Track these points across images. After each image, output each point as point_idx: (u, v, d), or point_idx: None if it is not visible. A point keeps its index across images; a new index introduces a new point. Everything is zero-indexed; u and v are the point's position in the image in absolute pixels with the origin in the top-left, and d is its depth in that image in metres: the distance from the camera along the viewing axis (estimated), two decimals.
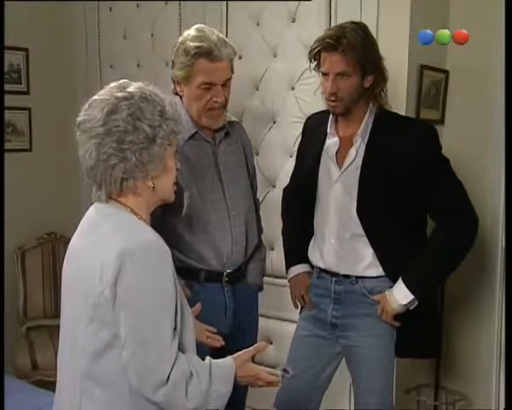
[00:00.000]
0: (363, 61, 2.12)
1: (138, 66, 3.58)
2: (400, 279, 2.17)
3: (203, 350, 2.21)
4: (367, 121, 2.22)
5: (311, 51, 2.19)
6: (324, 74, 2.18)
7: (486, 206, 2.76)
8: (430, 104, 2.87)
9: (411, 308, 2.18)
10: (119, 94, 1.51)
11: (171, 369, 1.46)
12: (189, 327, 1.57)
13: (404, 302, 2.16)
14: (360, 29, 2.16)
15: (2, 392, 2.21)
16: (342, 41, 2.10)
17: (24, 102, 3.72)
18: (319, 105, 2.85)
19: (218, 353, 2.28)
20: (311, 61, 2.22)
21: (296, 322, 2.78)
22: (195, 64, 2.16)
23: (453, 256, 2.19)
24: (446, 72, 2.93)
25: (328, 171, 2.28)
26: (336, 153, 2.27)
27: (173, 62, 2.25)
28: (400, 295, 2.16)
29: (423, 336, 2.27)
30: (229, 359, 1.62)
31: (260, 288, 2.47)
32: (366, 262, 2.23)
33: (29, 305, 3.66)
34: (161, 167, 1.54)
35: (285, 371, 2.37)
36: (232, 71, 2.26)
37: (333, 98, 2.17)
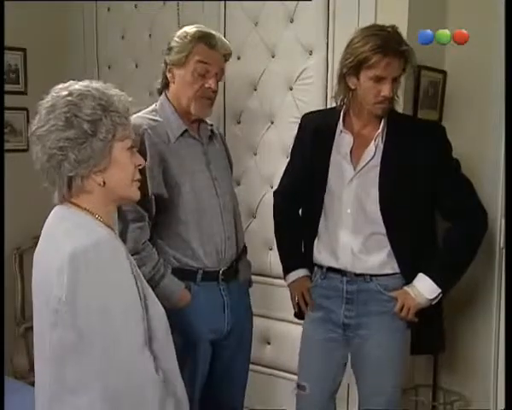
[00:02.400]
0: (408, 70, 2.21)
1: (136, 66, 3.58)
2: (423, 275, 2.21)
3: (205, 346, 2.24)
4: (384, 121, 2.23)
5: (366, 57, 2.10)
6: (379, 78, 2.13)
7: (485, 206, 2.76)
8: (428, 105, 2.87)
9: (434, 303, 2.23)
10: (59, 93, 1.52)
11: (143, 356, 1.47)
12: (153, 318, 1.55)
13: (432, 296, 2.21)
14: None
15: (2, 392, 2.22)
16: (403, 46, 2.11)
17: (22, 102, 3.72)
18: (317, 105, 2.87)
19: (218, 351, 2.30)
20: (360, 65, 2.13)
21: (294, 322, 2.79)
22: (195, 47, 2.21)
23: (470, 251, 2.27)
24: (444, 72, 2.93)
25: (341, 169, 2.26)
26: (350, 151, 2.25)
27: (170, 49, 2.26)
28: (427, 290, 2.21)
29: (432, 332, 2.33)
30: None
31: (250, 283, 2.50)
32: (382, 260, 2.23)
33: (27, 305, 3.65)
34: (108, 162, 1.52)
35: (299, 386, 2.38)
36: (224, 71, 2.30)
37: (388, 102, 2.18)
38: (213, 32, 2.26)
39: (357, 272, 2.26)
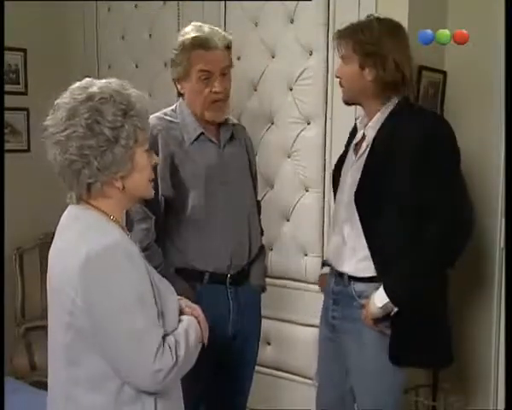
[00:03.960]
0: (359, 52, 2.11)
1: (136, 66, 3.59)
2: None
3: (207, 355, 2.23)
4: (383, 112, 2.16)
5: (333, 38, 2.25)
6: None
7: (485, 206, 2.76)
8: (428, 105, 2.87)
9: (392, 314, 2.07)
10: (79, 97, 1.50)
11: (161, 357, 1.47)
12: (168, 312, 1.55)
13: (380, 305, 2.06)
14: (375, 23, 2.14)
15: (3, 392, 2.22)
16: (348, 29, 2.14)
17: (22, 102, 3.72)
18: (317, 105, 2.87)
19: (222, 353, 2.29)
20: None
21: (294, 323, 2.79)
22: (192, 55, 2.19)
23: (431, 262, 2.08)
24: (444, 72, 2.94)
25: (349, 162, 2.26)
26: (357, 144, 2.25)
27: (172, 62, 2.26)
28: (378, 298, 2.07)
29: (424, 344, 2.13)
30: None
31: (263, 289, 2.47)
32: (358, 258, 2.15)
33: (27, 306, 3.66)
34: (129, 167, 1.51)
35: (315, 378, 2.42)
36: (231, 63, 2.27)
37: (339, 83, 2.21)
38: (206, 32, 2.21)
39: (339, 269, 2.21)
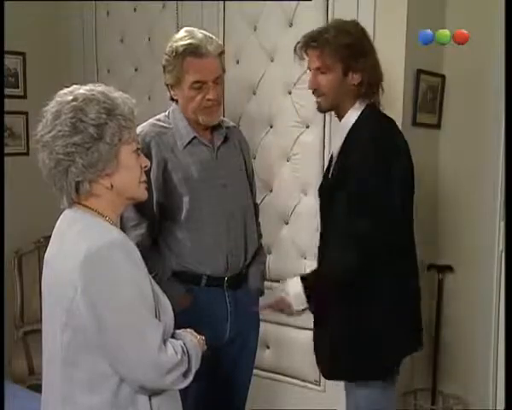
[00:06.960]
0: (343, 58, 2.03)
1: (136, 70, 3.58)
2: None
3: (205, 359, 2.22)
4: (347, 119, 2.10)
5: (294, 49, 2.13)
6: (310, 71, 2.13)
7: (483, 210, 2.76)
8: (427, 109, 2.88)
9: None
10: (64, 99, 1.53)
11: (165, 351, 1.49)
12: (164, 313, 1.57)
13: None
14: (347, 26, 2.10)
15: (3, 396, 2.21)
16: (321, 37, 2.06)
17: (21, 106, 3.72)
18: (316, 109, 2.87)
19: (220, 356, 2.28)
20: (301, 59, 2.14)
21: (293, 326, 2.78)
22: (184, 63, 2.18)
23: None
24: (443, 76, 2.94)
25: None
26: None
27: (164, 68, 2.26)
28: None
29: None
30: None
31: (261, 292, 2.45)
32: None
33: (26, 309, 3.65)
34: (115, 165, 1.53)
35: None
36: (223, 69, 2.27)
37: (315, 94, 2.13)
38: (199, 38, 2.19)
39: None
